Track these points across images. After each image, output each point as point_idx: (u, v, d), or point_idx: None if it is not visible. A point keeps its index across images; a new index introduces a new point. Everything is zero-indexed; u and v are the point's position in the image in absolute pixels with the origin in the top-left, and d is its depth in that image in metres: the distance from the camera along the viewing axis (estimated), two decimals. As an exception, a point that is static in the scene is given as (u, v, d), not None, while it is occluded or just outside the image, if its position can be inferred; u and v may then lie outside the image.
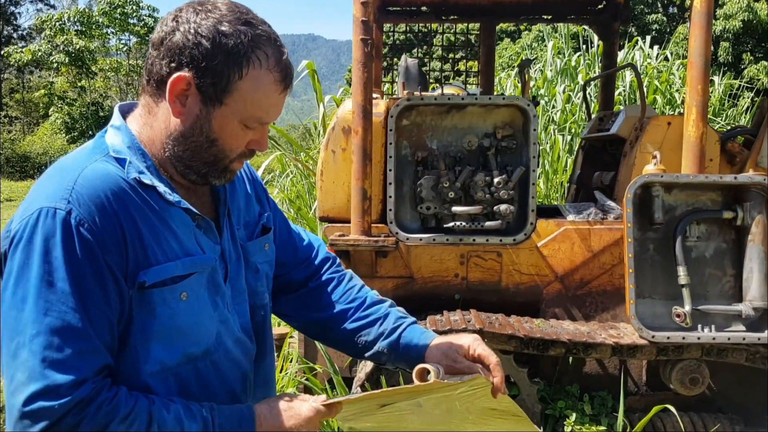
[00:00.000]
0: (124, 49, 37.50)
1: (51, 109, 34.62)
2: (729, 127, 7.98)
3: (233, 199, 1.33)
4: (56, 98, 35.02)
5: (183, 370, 1.19)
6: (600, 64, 7.74)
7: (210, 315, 1.22)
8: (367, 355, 1.45)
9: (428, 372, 1.22)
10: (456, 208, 3.37)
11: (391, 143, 3.37)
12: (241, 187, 1.39)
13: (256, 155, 1.32)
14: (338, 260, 1.57)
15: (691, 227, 3.14)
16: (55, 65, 33.99)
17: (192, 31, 1.10)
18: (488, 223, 3.39)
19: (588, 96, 5.28)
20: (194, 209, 1.21)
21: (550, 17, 4.74)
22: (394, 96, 4.14)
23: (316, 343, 3.28)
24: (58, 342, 1.03)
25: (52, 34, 33.21)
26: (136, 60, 37.57)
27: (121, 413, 1.06)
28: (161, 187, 1.16)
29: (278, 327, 4.15)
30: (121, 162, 1.15)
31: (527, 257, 3.42)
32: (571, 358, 3.38)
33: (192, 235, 1.21)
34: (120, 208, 1.10)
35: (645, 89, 7.87)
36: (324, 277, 1.51)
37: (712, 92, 8.63)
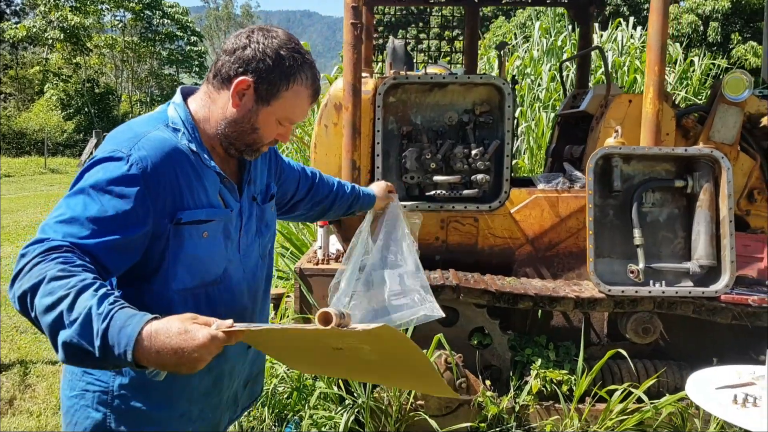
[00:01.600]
0: (119, 25, 37.48)
1: (46, 86, 34.61)
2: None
3: (255, 170, 1.74)
4: (51, 75, 35.03)
5: (198, 292, 1.56)
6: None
7: (221, 253, 1.60)
8: (347, 213, 2.40)
9: (330, 317, 1.19)
10: (437, 178, 3.71)
11: (378, 119, 3.71)
12: (263, 160, 1.81)
13: None
14: (319, 171, 2.26)
15: (646, 194, 3.50)
16: (50, 42, 33.98)
17: (260, 49, 1.50)
18: (466, 192, 3.73)
19: (568, 75, 5.59)
20: (224, 173, 1.60)
21: (530, 1, 5.05)
22: (382, 75, 4.45)
23: (309, 298, 3.63)
24: (68, 220, 1.33)
25: (47, 10, 33.12)
26: (131, 36, 37.55)
27: (66, 266, 1.23)
28: (202, 154, 1.56)
29: (275, 288, 4.52)
30: (175, 132, 1.54)
31: (501, 222, 3.78)
32: (539, 312, 3.75)
33: (218, 192, 1.59)
34: (168, 165, 1.47)
35: (625, 70, 8.20)
36: (317, 182, 2.20)
37: (692, 72, 8.94)
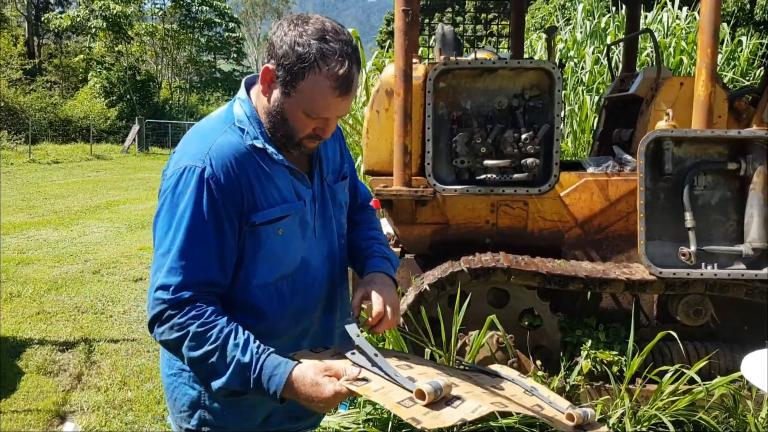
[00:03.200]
0: (159, 13, 37.99)
1: (90, 74, 35.34)
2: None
3: (325, 152, 1.76)
4: (94, 63, 35.74)
5: (279, 284, 1.64)
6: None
7: (298, 244, 1.65)
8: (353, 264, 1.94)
9: (423, 394, 1.30)
10: (487, 162, 3.76)
11: (429, 104, 3.77)
12: (332, 142, 1.81)
13: None
14: (371, 207, 2.05)
15: (698, 177, 3.51)
16: (93, 30, 34.65)
17: (281, 37, 1.48)
18: (516, 176, 3.78)
19: (614, 58, 5.56)
20: (293, 165, 1.63)
21: (576, -16, 5.03)
22: (432, 61, 4.51)
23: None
24: (176, 258, 1.49)
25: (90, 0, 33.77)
26: (171, 24, 38.04)
27: (202, 320, 1.46)
28: (269, 149, 1.58)
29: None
30: (242, 131, 1.59)
31: (551, 206, 3.82)
32: (588, 294, 3.79)
33: (290, 185, 1.63)
34: (240, 169, 1.54)
35: (671, 51, 8.08)
36: (359, 215, 1.98)
37: (740, 52, 8.77)
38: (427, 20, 5.88)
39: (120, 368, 4.37)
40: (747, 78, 8.38)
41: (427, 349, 3.45)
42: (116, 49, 35.55)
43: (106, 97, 33.58)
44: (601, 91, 7.72)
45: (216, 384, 1.44)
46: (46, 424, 3.62)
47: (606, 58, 5.14)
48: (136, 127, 28.08)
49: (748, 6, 16.92)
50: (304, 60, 1.45)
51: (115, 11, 32.93)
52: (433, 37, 5.37)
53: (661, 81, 3.90)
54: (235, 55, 43.61)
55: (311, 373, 1.39)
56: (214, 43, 41.23)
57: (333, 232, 1.77)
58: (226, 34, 42.21)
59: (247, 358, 1.42)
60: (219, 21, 40.75)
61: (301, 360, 1.44)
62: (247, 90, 1.65)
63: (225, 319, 1.48)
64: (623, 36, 8.56)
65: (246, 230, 1.57)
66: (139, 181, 16.73)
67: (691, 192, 3.48)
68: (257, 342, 1.45)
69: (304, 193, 1.66)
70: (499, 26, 6.73)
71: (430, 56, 5.45)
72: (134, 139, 28.07)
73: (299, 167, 1.66)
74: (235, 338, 1.44)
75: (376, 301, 1.62)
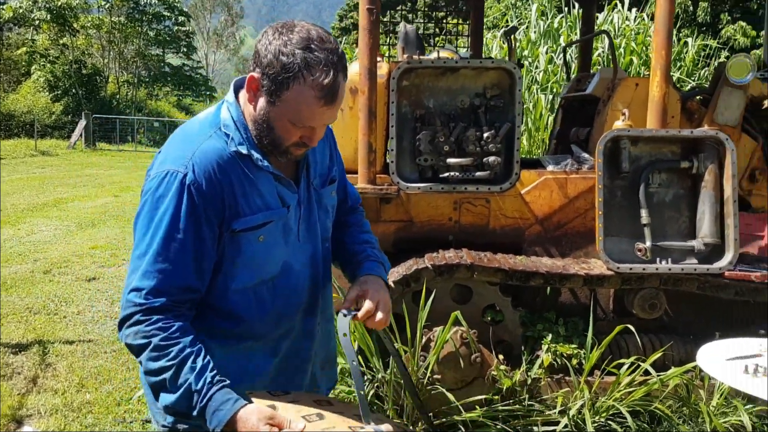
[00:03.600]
0: (106, 5, 37.04)
1: (33, 67, 34.23)
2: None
3: (313, 157, 1.73)
4: (38, 56, 34.64)
5: (259, 289, 1.64)
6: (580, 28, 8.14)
7: (280, 250, 1.64)
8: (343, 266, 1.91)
9: None
10: (450, 160, 3.81)
11: (393, 102, 3.79)
12: (322, 144, 1.74)
13: None
14: (361, 209, 2.05)
15: (653, 175, 3.63)
16: (36, 22, 33.56)
17: (266, 45, 1.47)
18: (478, 174, 3.84)
19: (569, 58, 5.69)
20: (278, 172, 1.61)
21: (534, -15, 5.13)
22: (395, 60, 4.54)
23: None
24: (151, 262, 1.49)
25: (33, -10, 32.69)
26: (118, 17, 37.16)
27: (166, 335, 1.46)
28: (254, 155, 1.57)
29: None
30: (227, 136, 1.57)
31: (512, 203, 3.89)
32: (548, 289, 3.88)
33: (274, 191, 1.62)
34: (222, 175, 1.54)
35: (621, 51, 8.30)
36: (350, 217, 1.96)
37: (686, 53, 9.07)
38: (402, 21, 5.87)
39: (77, 370, 4.28)
40: (692, 78, 8.68)
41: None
42: (61, 42, 34.50)
43: (51, 91, 32.57)
44: (555, 90, 7.90)
45: (164, 400, 1.47)
46: (2, 429, 3.53)
47: (563, 59, 5.25)
48: (82, 122, 27.35)
49: (691, 8, 17.48)
50: (289, 70, 1.44)
51: (59, 3, 31.96)
52: (390, 36, 5.41)
53: (617, 82, 4.02)
54: (184, 50, 42.89)
55: (254, 419, 1.39)
56: (163, 36, 40.49)
57: (317, 236, 1.76)
58: (176, 27, 41.45)
59: (198, 385, 1.43)
60: (168, 14, 40.00)
61: (253, 399, 1.46)
62: (236, 93, 1.63)
63: (190, 339, 1.48)
64: (577, 36, 8.79)
65: (226, 236, 1.57)
66: (87, 177, 16.33)
67: (646, 190, 3.60)
68: (214, 371, 1.46)
69: (288, 199, 1.65)
70: (452, 24, 6.79)
71: (393, 54, 5.48)
72: (81, 135, 27.33)
73: (285, 172, 1.65)
74: (193, 362, 1.44)
75: (370, 299, 1.63)
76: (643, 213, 3.56)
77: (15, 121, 29.37)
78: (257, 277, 1.63)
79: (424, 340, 3.54)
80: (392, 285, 1.80)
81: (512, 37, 4.44)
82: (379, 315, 1.62)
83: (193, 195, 1.50)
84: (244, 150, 1.56)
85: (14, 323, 5.15)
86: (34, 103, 30.54)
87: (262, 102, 1.51)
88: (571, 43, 6.64)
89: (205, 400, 1.42)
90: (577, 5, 8.31)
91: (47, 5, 32.15)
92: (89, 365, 4.37)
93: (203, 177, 1.51)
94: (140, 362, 1.49)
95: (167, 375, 1.44)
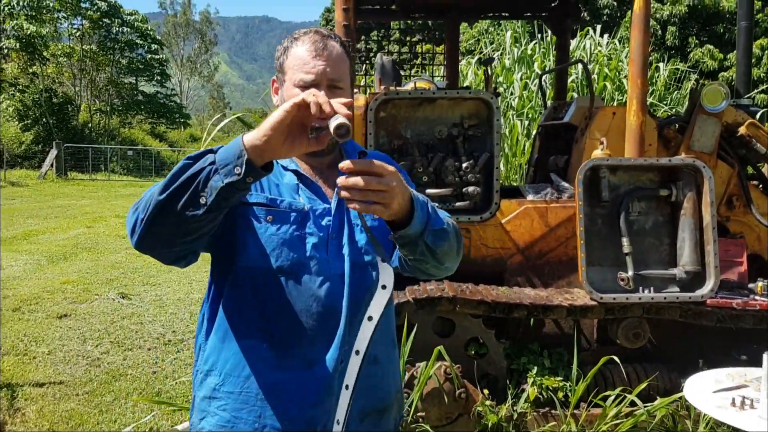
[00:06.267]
0: (77, 33, 36.75)
1: (2, 97, 33.74)
2: (673, 111, 8.57)
3: None
4: (7, 85, 34.19)
5: (267, 276, 1.55)
6: (554, 54, 8.21)
7: (293, 243, 1.56)
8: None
9: None
10: (429, 191, 3.78)
11: (370, 133, 3.76)
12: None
13: None
14: None
15: (633, 203, 3.63)
16: (5, 51, 33.17)
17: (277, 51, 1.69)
18: (458, 204, 3.81)
19: (543, 85, 5.72)
20: (301, 170, 1.63)
21: (508, 14, 5.17)
22: (373, 91, 4.51)
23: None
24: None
25: (1, 19, 32.32)
26: (90, 45, 36.88)
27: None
28: (281, 160, 1.61)
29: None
30: None
31: (493, 233, 3.86)
32: (532, 320, 3.84)
33: (294, 191, 1.60)
34: None
35: (595, 77, 8.39)
36: None
37: (657, 77, 9.19)
38: (379, 53, 5.86)
39: (47, 414, 4.12)
40: (664, 102, 8.79)
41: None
42: (30, 70, 34.08)
43: (20, 120, 32.08)
44: (531, 116, 7.94)
45: (172, 185, 1.33)
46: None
47: (539, 86, 5.27)
48: (53, 152, 26.95)
49: (660, 32, 17.85)
50: (285, 48, 1.64)
51: (28, 31, 31.62)
52: (366, 63, 5.39)
53: (594, 110, 4.03)
54: (158, 77, 42.64)
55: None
56: (135, 65, 40.21)
57: (349, 256, 1.61)
58: (149, 55, 41.25)
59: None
60: (141, 42, 39.81)
61: None
62: None
63: None
64: (551, 61, 8.88)
65: (237, 205, 1.53)
66: (58, 208, 16.03)
67: (627, 218, 3.59)
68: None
69: (313, 202, 1.61)
70: (427, 49, 6.83)
71: (369, 85, 5.46)
72: (52, 164, 26.92)
73: (325, 183, 1.65)
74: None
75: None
76: (625, 242, 3.55)
77: (-17, 152, 28.83)
78: (262, 260, 1.56)
79: (407, 377, 3.46)
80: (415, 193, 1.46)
81: (489, 66, 4.45)
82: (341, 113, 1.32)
83: None
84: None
85: (-19, 365, 4.97)
86: (3, 133, 30.06)
87: (280, 91, 1.66)
88: (546, 72, 6.68)
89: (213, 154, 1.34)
90: (550, 32, 8.39)
91: (16, 34, 31.80)
92: (60, 409, 4.21)
93: None
94: (154, 208, 1.36)
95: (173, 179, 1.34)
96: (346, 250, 1.62)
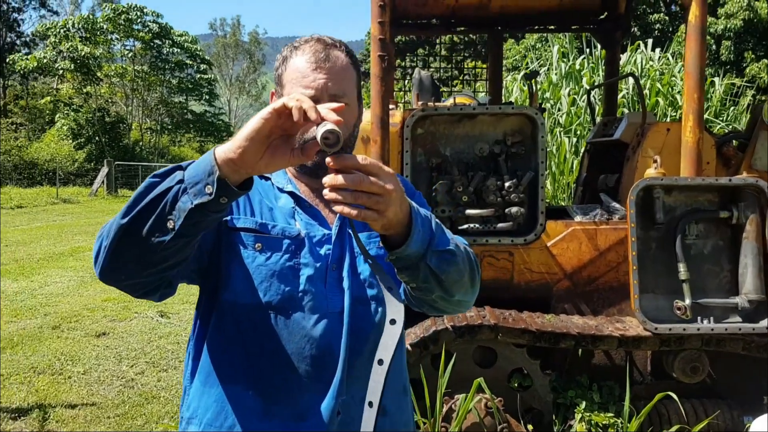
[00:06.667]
0: (129, 54, 37.78)
1: (57, 116, 34.83)
2: (730, 128, 8.19)
3: None
4: (62, 105, 35.27)
5: (253, 313, 1.37)
6: (603, 69, 7.94)
7: (283, 275, 1.37)
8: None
9: None
10: (469, 211, 3.59)
11: (407, 151, 3.60)
12: None
13: None
14: None
15: (690, 226, 3.37)
16: (60, 72, 34.24)
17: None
18: (500, 225, 3.61)
19: (592, 101, 5.48)
20: (299, 193, 1.45)
21: (554, 27, 4.96)
22: (409, 107, 4.36)
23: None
24: None
25: (57, 41, 33.41)
26: (141, 66, 37.85)
27: None
28: (278, 177, 1.47)
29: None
30: None
31: (537, 256, 3.64)
32: (580, 351, 3.59)
33: (289, 216, 1.42)
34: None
35: (647, 92, 8.08)
36: None
37: (713, 93, 8.81)
38: (417, 67, 5.74)
39: (77, 438, 4.04)
40: (720, 118, 8.41)
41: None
42: (84, 90, 35.11)
43: (74, 139, 33.04)
44: (579, 132, 7.67)
45: (135, 206, 1.16)
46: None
47: (587, 102, 5.04)
48: (104, 170, 27.60)
49: (714, 47, 17.31)
50: (284, 58, 1.46)
51: (83, 53, 32.58)
52: (406, 80, 5.25)
53: (647, 126, 3.78)
54: (207, 97, 43.45)
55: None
56: (185, 84, 41.05)
57: (351, 290, 1.41)
58: (198, 75, 42.09)
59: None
60: (190, 62, 40.67)
61: None
62: None
63: None
64: (599, 77, 8.60)
65: (223, 233, 1.39)
66: (106, 225, 16.28)
67: (683, 242, 3.33)
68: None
69: (311, 228, 1.42)
70: (471, 67, 6.66)
71: (406, 100, 5.32)
72: (103, 182, 27.56)
73: (326, 207, 1.45)
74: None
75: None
76: (681, 267, 3.29)
77: (38, 169, 29.75)
78: (250, 295, 1.38)
79: (444, 410, 3.26)
80: (414, 205, 1.26)
81: (533, 80, 4.25)
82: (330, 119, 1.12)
83: None
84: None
85: (16, 384, 4.93)
86: (57, 151, 30.94)
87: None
88: (595, 87, 6.42)
89: (181, 170, 1.16)
90: (599, 46, 8.12)
91: (71, 55, 32.79)
92: (91, 432, 4.12)
93: None
94: (116, 233, 1.18)
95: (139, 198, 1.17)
96: (346, 283, 1.42)
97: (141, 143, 37.82)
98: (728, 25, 18.08)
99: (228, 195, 1.13)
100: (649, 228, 3.39)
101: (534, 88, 4.21)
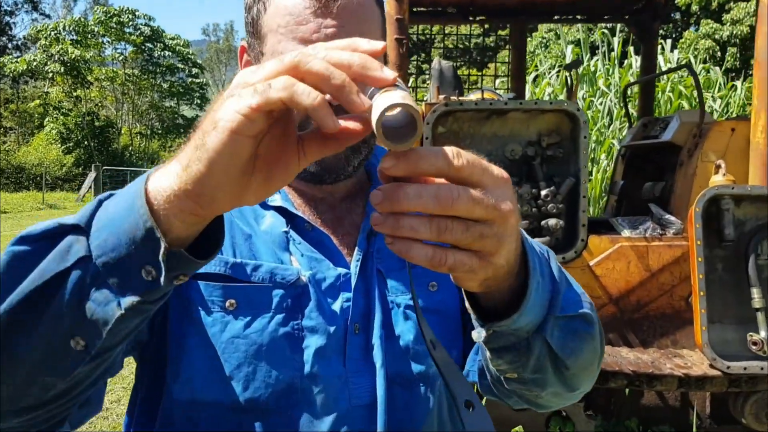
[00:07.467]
0: (120, 58, 37.25)
1: (46, 120, 34.29)
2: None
3: None
4: (51, 108, 34.70)
5: (225, 419, 0.83)
6: (620, 71, 7.47)
7: (273, 351, 0.83)
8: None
9: None
10: (499, 224, 3.06)
11: (427, 153, 3.06)
12: None
13: None
14: None
15: (763, 244, 2.84)
16: (51, 75, 33.72)
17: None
18: (535, 240, 3.08)
19: (620, 100, 4.97)
20: (292, 208, 0.90)
21: (584, 17, 4.44)
22: (428, 101, 3.84)
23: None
24: None
25: (48, 43, 32.96)
26: (132, 69, 37.31)
27: None
28: None
29: None
30: None
31: (578, 277, 3.08)
32: (627, 390, 3.06)
33: (280, 246, 0.88)
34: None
35: (670, 96, 7.59)
36: None
37: (734, 96, 8.36)
38: (437, 57, 5.21)
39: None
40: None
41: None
42: (74, 94, 34.58)
43: (63, 143, 32.48)
44: (596, 138, 7.17)
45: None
46: None
47: (623, 101, 4.51)
48: (92, 174, 26.98)
49: (719, 53, 16.95)
50: (255, 1, 0.92)
51: (73, 56, 32.09)
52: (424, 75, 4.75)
53: (706, 126, 3.26)
54: (198, 101, 42.91)
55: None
56: (176, 88, 40.51)
57: (367, 368, 0.88)
58: (190, 79, 41.57)
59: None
60: (182, 67, 40.15)
61: None
62: None
63: None
64: (617, 79, 8.12)
65: (173, 291, 0.79)
66: (92, 232, 15.69)
67: (756, 263, 2.80)
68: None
69: (318, 268, 0.87)
70: (489, 58, 6.16)
71: (425, 96, 4.81)
72: (90, 187, 26.96)
73: (331, 230, 0.91)
74: None
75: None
76: (755, 293, 2.75)
77: (25, 174, 29.19)
78: (221, 391, 0.82)
79: (474, 464, 2.71)
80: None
81: (573, 72, 3.73)
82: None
83: None
84: None
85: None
86: (45, 155, 30.39)
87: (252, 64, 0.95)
88: (633, 83, 5.78)
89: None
90: (615, 46, 7.64)
91: (61, 58, 32.30)
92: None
93: None
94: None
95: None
96: (378, 356, 0.87)
97: (131, 148, 37.24)
98: (734, 32, 17.69)
99: (186, 269, 0.61)
100: (714, 246, 2.85)
101: (571, 81, 3.69)
